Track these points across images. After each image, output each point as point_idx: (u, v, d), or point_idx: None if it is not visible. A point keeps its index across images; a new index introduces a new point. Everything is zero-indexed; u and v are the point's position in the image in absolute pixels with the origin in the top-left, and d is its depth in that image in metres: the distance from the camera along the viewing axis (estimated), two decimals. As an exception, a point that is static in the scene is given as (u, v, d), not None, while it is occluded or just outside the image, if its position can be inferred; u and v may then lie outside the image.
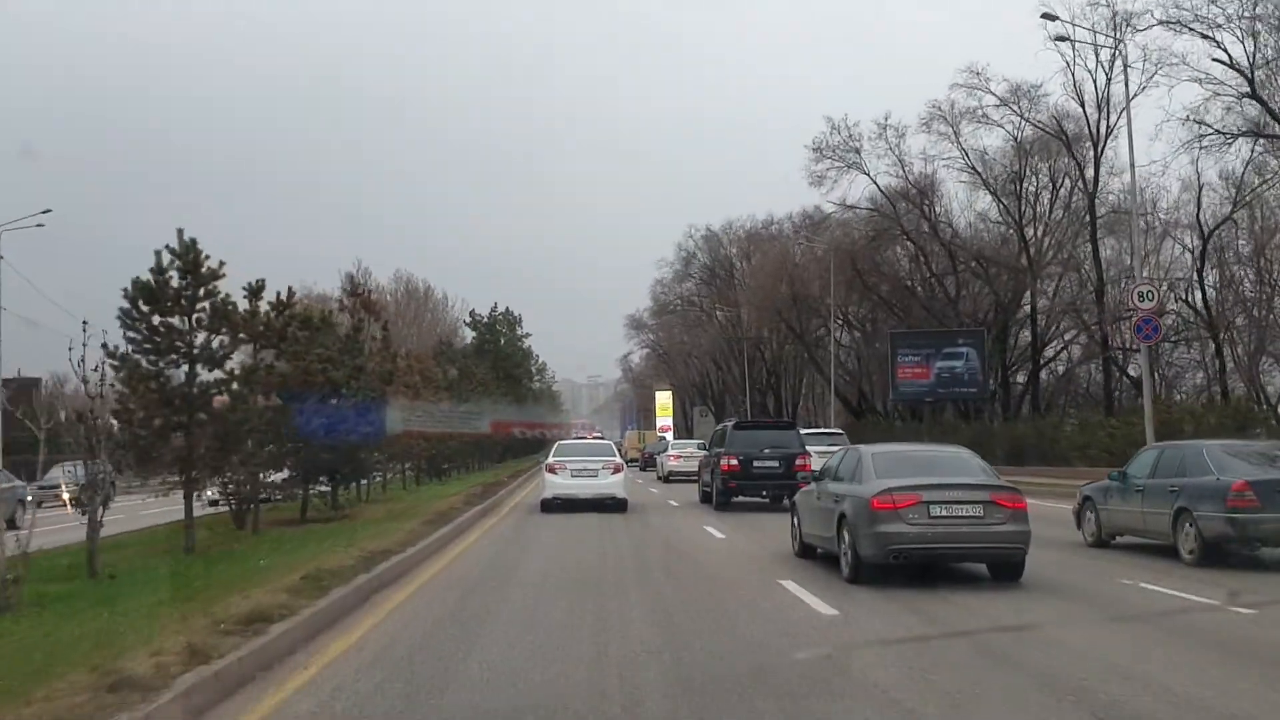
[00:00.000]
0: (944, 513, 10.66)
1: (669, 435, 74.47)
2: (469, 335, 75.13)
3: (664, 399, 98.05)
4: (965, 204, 51.35)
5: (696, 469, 28.53)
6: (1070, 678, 6.80)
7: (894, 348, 41.45)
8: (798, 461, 21.28)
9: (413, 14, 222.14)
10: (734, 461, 22.00)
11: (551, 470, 22.44)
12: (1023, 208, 47.83)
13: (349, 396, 20.26)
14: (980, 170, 47.62)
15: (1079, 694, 6.37)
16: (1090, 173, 42.48)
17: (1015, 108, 43.71)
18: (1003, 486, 11.30)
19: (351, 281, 25.53)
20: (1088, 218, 43.25)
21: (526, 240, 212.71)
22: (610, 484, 21.94)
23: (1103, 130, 41.30)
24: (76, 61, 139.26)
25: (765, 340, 67.98)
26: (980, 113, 44.53)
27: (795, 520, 13.96)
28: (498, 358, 69.20)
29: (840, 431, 38.46)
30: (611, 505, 21.60)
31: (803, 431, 26.86)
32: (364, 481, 25.72)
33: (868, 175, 48.87)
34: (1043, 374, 49.12)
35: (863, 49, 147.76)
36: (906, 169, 48.23)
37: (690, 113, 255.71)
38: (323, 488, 20.69)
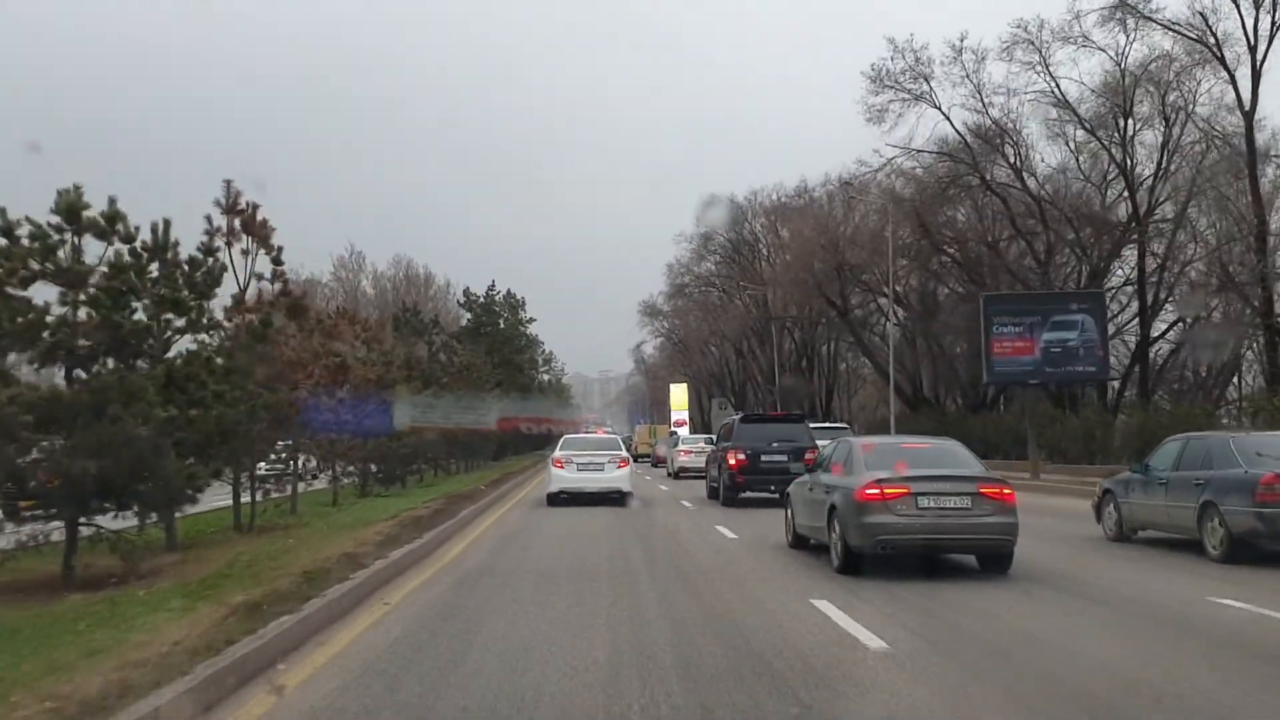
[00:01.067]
0: (932, 504, 10.41)
1: (684, 429, 67.47)
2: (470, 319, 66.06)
3: (679, 391, 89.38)
4: (1041, 151, 41.81)
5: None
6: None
7: (987, 315, 31.87)
8: (807, 455, 19.50)
9: (412, 13, 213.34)
10: (741, 456, 21.38)
11: (558, 464, 21.90)
12: (1127, 149, 38.32)
13: (156, 359, 10.95)
14: (1073, 106, 38.12)
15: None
16: (1246, 89, 32.75)
17: (1128, 13, 34.09)
18: (990, 478, 10.92)
19: (228, 190, 16.00)
20: (1226, 143, 33.73)
21: (531, 238, 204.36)
22: (616, 478, 21.53)
23: (1262, 31, 31.66)
24: (75, 59, 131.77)
25: (796, 322, 58.39)
26: (1078, 33, 35.10)
27: (789, 512, 13.70)
28: (494, 341, 59.98)
29: (845, 425, 35.79)
30: (617, 499, 21.27)
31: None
32: (254, 499, 16.49)
33: (938, 109, 39.43)
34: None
35: (863, 49, 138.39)
36: (986, 103, 38.70)
37: (691, 111, 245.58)
38: (111, 522, 11.40)
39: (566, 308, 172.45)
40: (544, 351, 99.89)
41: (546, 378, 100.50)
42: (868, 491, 10.46)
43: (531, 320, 79.32)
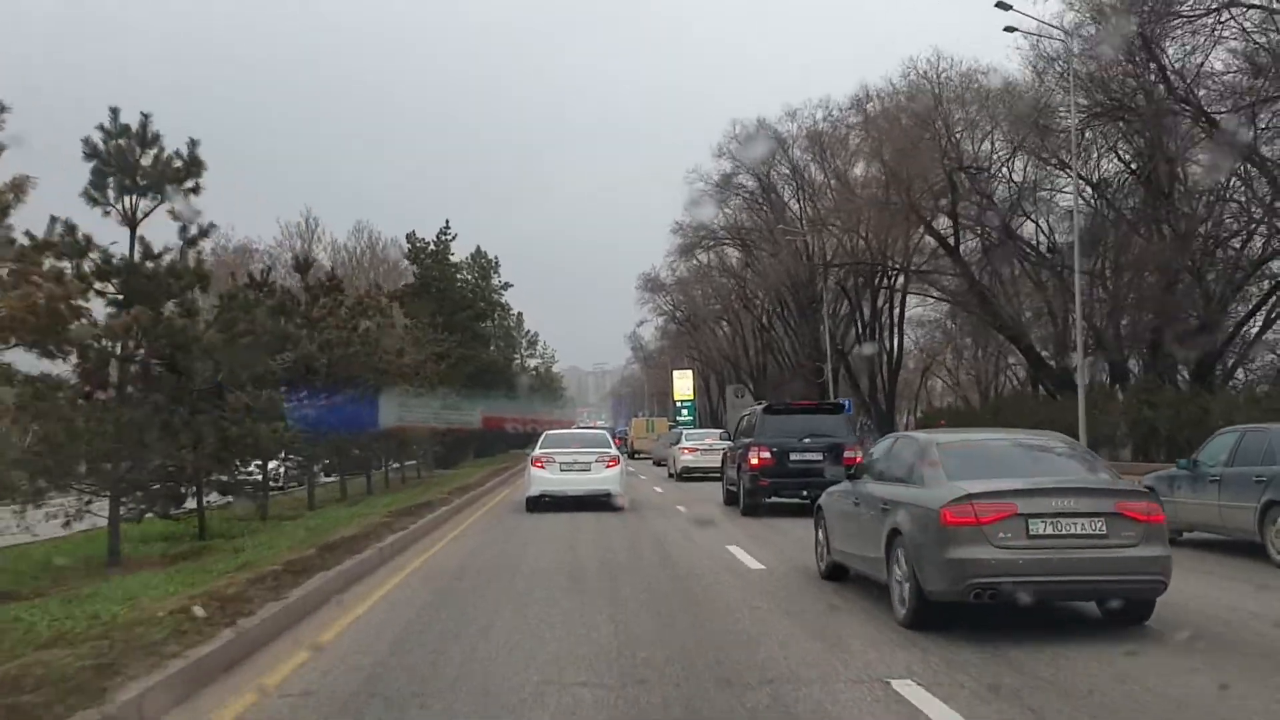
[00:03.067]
0: (1049, 530, 7.39)
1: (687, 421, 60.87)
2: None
3: (683, 379, 78.74)
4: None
5: (717, 464, 24.71)
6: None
7: None
8: (846, 453, 17.30)
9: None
10: (766, 454, 18.38)
11: (538, 464, 19.63)
12: None
13: None
14: None
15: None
16: None
17: None
18: (1132, 491, 8.03)
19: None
20: None
21: (524, 230, 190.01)
22: (604, 479, 19.43)
23: None
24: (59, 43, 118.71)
25: (854, 274, 42.98)
26: None
27: (821, 531, 10.41)
28: (444, 299, 44.76)
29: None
30: (605, 504, 19.18)
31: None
32: None
33: None
34: None
35: (865, 29, 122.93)
36: None
37: (690, 97, 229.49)
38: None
39: (562, 301, 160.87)
40: (528, 333, 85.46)
41: (532, 363, 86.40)
42: (956, 512, 7.39)
43: (507, 286, 64.44)
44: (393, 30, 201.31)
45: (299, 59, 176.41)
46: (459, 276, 50.49)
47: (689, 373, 78.76)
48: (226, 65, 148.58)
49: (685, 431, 39.12)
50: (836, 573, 10.04)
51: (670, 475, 32.39)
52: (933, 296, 40.03)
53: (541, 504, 19.09)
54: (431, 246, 48.73)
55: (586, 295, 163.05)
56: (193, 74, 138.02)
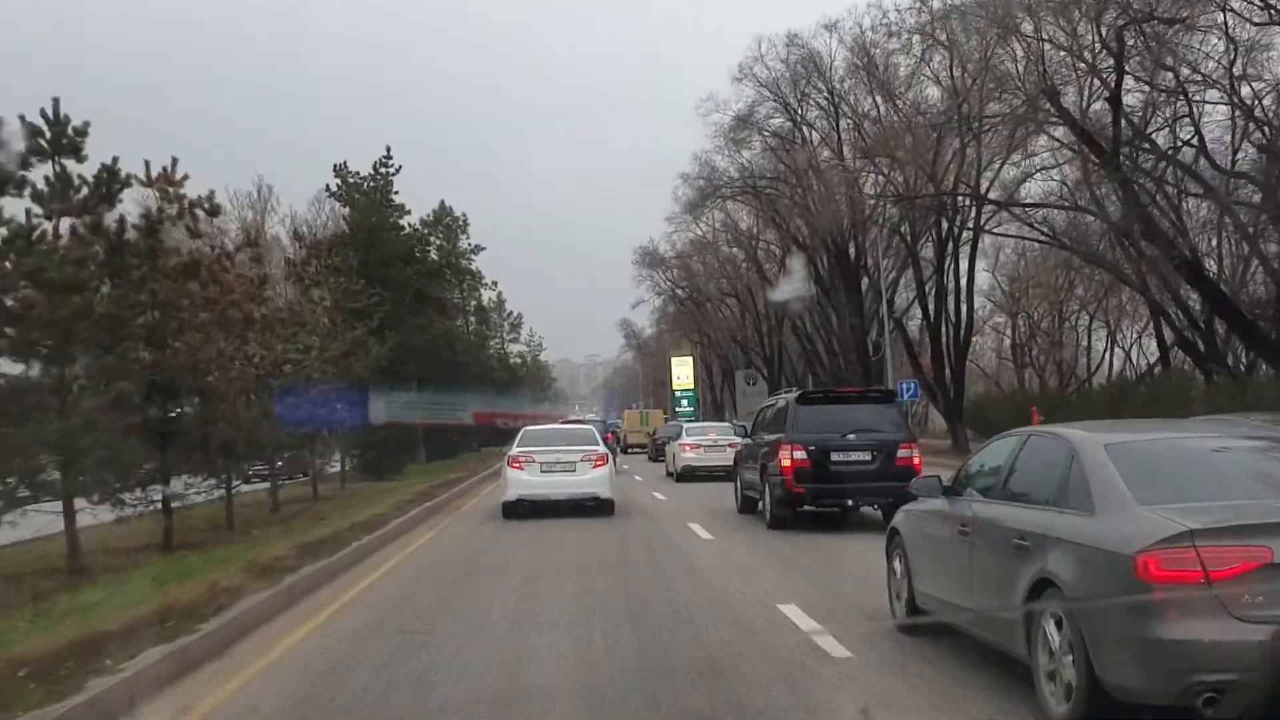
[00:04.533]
0: None
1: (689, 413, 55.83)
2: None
3: (683, 366, 70.49)
4: None
5: (722, 463, 23.89)
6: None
7: None
8: (900, 453, 14.67)
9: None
10: (801, 454, 15.12)
11: (516, 465, 18.26)
12: None
13: None
14: None
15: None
16: None
17: None
18: None
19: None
20: None
21: (525, 232, 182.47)
22: (592, 480, 18.03)
23: None
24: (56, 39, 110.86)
25: (900, 224, 32.68)
26: None
27: (899, 562, 7.47)
28: (372, 245, 34.36)
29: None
30: (593, 508, 17.71)
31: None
32: None
33: None
34: None
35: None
36: None
37: (685, 89, 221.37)
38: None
39: (560, 300, 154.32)
40: (510, 314, 75.84)
41: (515, 349, 77.14)
42: (1166, 560, 4.44)
43: (479, 250, 54.40)
44: (393, 30, 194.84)
45: (298, 59, 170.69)
46: (404, 223, 39.66)
47: (689, 359, 71.19)
48: (225, 66, 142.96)
49: (685, 425, 34.97)
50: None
51: (669, 474, 29.56)
52: (1042, 240, 28.97)
53: (521, 509, 17.53)
54: (368, 180, 38.06)
55: (586, 293, 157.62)
56: (189, 74, 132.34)
